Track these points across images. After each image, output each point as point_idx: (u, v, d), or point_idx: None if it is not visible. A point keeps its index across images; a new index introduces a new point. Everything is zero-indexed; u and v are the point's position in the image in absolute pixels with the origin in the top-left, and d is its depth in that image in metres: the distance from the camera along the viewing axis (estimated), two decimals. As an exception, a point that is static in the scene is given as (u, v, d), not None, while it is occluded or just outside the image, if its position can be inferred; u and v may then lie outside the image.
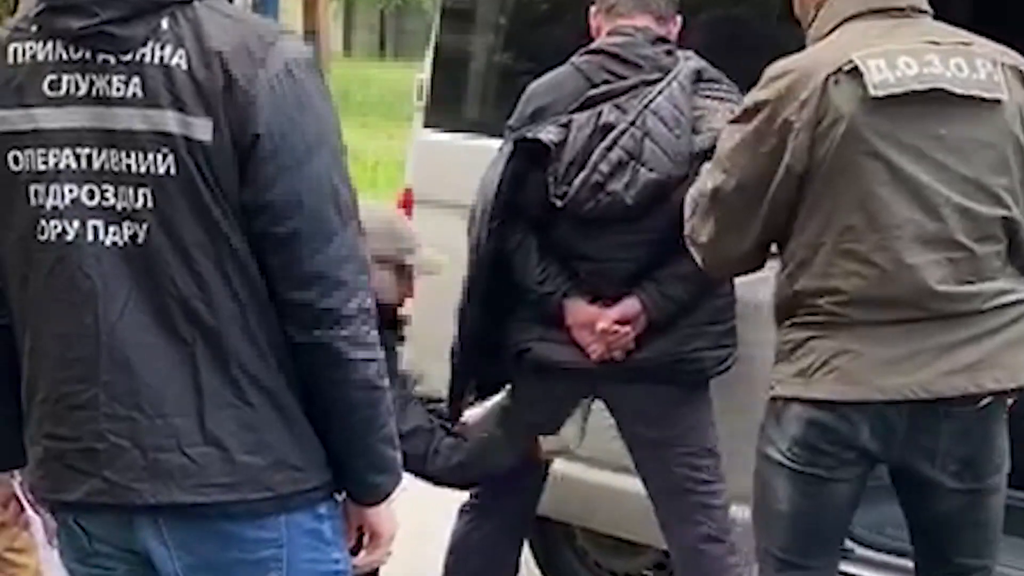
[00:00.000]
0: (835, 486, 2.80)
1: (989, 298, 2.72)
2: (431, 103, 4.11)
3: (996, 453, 2.82)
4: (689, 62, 3.22)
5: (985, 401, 2.72)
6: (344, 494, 2.28)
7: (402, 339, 3.34)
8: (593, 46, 3.30)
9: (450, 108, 4.09)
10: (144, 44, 2.06)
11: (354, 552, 2.35)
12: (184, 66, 2.05)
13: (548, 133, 3.15)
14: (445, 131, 4.04)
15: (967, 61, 2.71)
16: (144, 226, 2.07)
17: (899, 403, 2.71)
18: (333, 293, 2.10)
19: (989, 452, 2.81)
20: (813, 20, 2.85)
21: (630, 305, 3.21)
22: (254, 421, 2.11)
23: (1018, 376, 2.75)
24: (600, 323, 3.20)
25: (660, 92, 3.15)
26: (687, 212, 2.92)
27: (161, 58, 2.05)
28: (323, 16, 22.06)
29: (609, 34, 3.28)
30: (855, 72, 2.66)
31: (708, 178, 2.84)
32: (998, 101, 2.71)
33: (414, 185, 4.15)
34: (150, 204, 2.06)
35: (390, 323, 3.24)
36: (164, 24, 2.07)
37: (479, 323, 3.33)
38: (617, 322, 3.20)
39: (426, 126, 4.13)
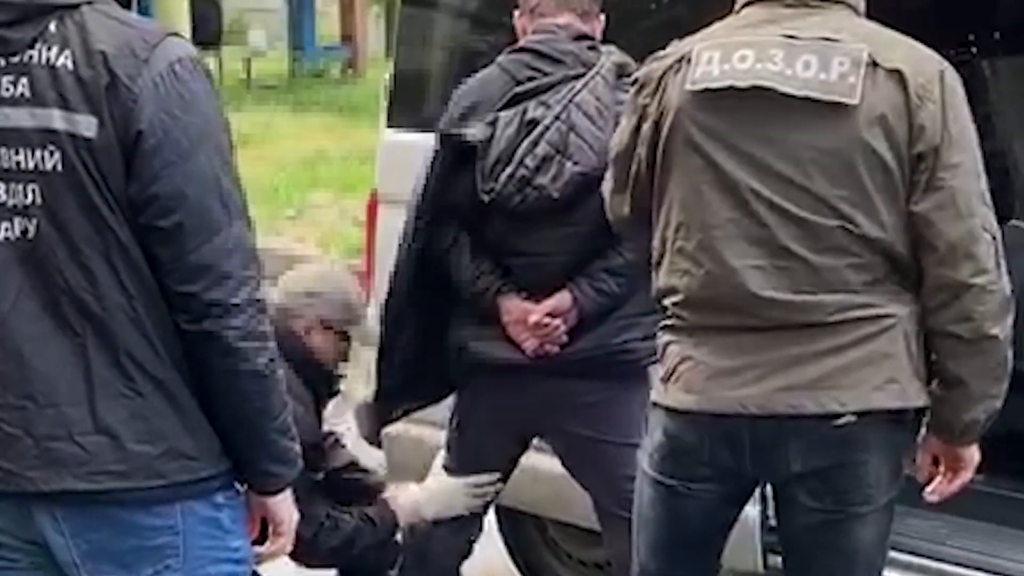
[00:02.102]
0: (689, 501, 2.68)
1: (835, 311, 2.51)
2: (394, 103, 4.15)
3: (866, 480, 2.58)
4: (612, 57, 3.25)
5: (842, 421, 2.51)
6: (245, 484, 2.33)
7: (335, 394, 3.51)
8: (517, 44, 3.35)
9: (412, 107, 4.11)
10: (32, 46, 2.14)
11: (260, 542, 2.41)
12: (69, 66, 2.12)
13: (474, 131, 3.19)
14: (407, 130, 4.07)
15: (820, 59, 2.49)
16: (34, 221, 2.14)
17: (737, 416, 2.56)
18: (219, 285, 2.16)
19: (854, 477, 2.58)
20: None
21: (561, 299, 3.25)
22: (145, 410, 2.17)
23: (866, 399, 2.52)
24: (532, 317, 3.24)
25: (584, 86, 3.18)
26: None
27: (47, 59, 2.13)
28: (361, 20, 22.19)
29: (533, 32, 3.33)
30: (689, 63, 2.59)
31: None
32: (845, 105, 2.48)
33: (380, 185, 4.20)
34: (39, 200, 2.14)
35: (326, 382, 3.42)
36: (52, 27, 2.14)
37: (404, 320, 3.39)
38: (549, 315, 3.24)
39: (389, 126, 4.17)
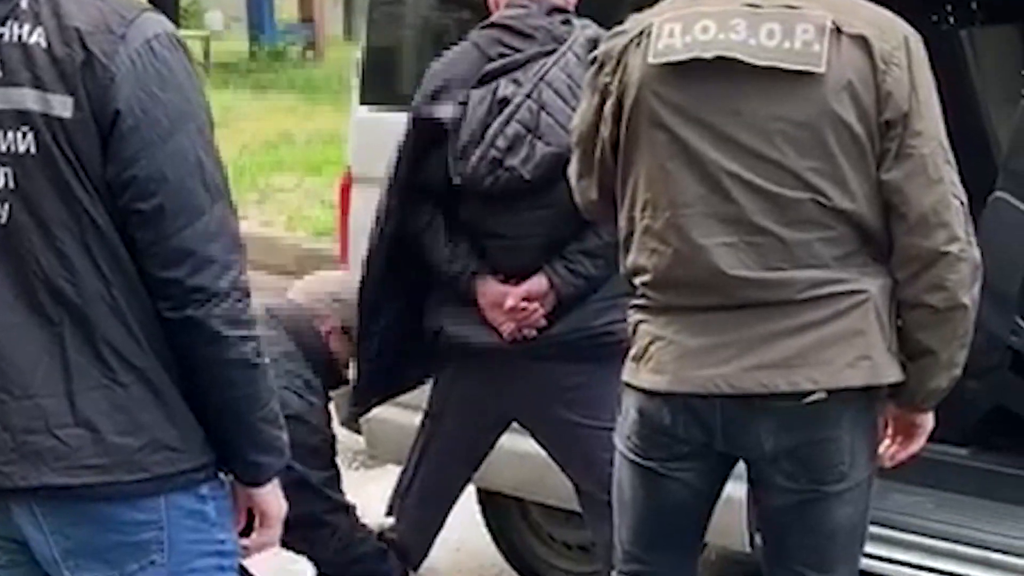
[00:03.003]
0: (667, 482, 2.64)
1: (806, 288, 2.46)
2: (365, 80, 4.06)
3: (839, 458, 2.54)
4: (586, 31, 3.17)
5: (811, 399, 2.47)
6: (231, 475, 2.25)
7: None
8: (489, 20, 3.27)
9: (385, 83, 4.04)
10: (3, 24, 2.04)
11: (246, 533, 2.33)
12: (43, 44, 2.03)
13: (445, 111, 3.12)
14: (380, 107, 3.99)
15: (784, 27, 2.41)
16: (6, 206, 2.05)
17: (709, 396, 2.51)
18: (203, 270, 2.08)
19: (826, 454, 2.54)
20: None
21: (537, 282, 3.19)
22: (126, 402, 2.09)
23: (838, 377, 2.46)
24: (507, 301, 3.18)
25: (555, 63, 3.11)
26: None
27: (19, 36, 2.04)
28: (320, 1, 21.99)
29: (506, 7, 3.25)
30: (649, 37, 2.50)
31: None
32: (811, 74, 2.41)
33: (353, 165, 4.11)
34: (11, 184, 2.05)
35: (336, 381, 3.47)
36: (23, 4, 2.05)
37: (380, 304, 3.35)
38: (525, 299, 3.18)
39: (362, 103, 4.08)
